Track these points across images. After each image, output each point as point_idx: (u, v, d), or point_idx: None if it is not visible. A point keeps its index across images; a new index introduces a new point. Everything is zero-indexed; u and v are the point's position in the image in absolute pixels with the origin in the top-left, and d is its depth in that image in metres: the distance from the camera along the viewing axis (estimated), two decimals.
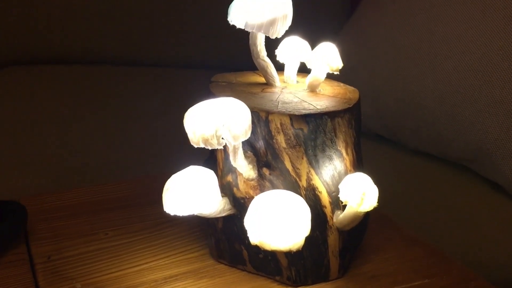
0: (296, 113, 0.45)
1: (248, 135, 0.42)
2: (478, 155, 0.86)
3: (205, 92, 0.51)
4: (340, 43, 1.10)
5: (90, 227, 0.58)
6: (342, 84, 0.55)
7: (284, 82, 0.54)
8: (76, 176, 0.81)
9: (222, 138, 0.41)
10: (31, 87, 1.20)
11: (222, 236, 0.52)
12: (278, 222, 0.42)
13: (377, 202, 0.46)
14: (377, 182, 0.89)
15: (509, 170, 0.82)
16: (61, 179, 0.80)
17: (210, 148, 0.41)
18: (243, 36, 0.51)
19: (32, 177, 0.81)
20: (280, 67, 0.55)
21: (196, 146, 0.42)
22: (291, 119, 0.45)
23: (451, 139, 0.89)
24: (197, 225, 0.57)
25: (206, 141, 0.41)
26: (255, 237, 0.42)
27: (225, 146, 0.43)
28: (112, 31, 1.35)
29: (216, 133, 0.40)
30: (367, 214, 0.52)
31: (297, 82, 0.55)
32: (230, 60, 1.28)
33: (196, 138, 0.41)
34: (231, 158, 0.44)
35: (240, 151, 0.44)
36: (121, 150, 0.89)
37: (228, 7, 0.49)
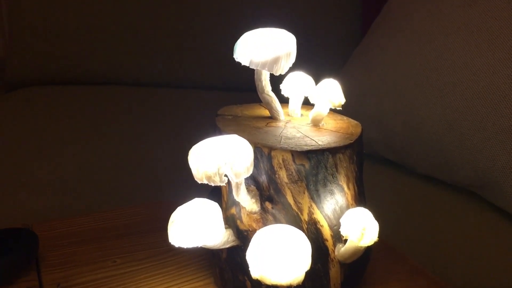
0: (298, 150, 0.46)
1: (250, 172, 0.43)
2: (486, 182, 0.87)
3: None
4: (349, 68, 1.12)
5: (99, 254, 0.59)
6: (345, 118, 0.56)
7: (289, 115, 0.56)
8: (86, 200, 0.83)
9: (225, 176, 0.42)
10: (43, 108, 1.23)
11: (226, 267, 0.53)
12: (279, 257, 0.43)
13: (378, 237, 0.47)
14: (383, 207, 0.90)
15: None
16: (71, 203, 0.81)
17: (213, 185, 0.42)
18: None
19: (41, 201, 0.82)
20: (285, 100, 0.56)
21: (200, 182, 0.43)
22: (293, 155, 0.46)
23: (459, 166, 0.89)
24: (203, 254, 0.58)
25: (209, 178, 0.42)
26: (256, 271, 0.43)
27: (229, 180, 0.44)
28: (122, 53, 1.38)
29: (218, 171, 0.41)
30: (369, 246, 0.53)
31: (302, 115, 0.56)
32: (237, 82, 1.30)
33: (200, 175, 0.42)
34: (234, 193, 0.46)
35: (243, 187, 0.45)
36: (132, 174, 0.90)
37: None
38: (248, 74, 0.58)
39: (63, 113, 1.20)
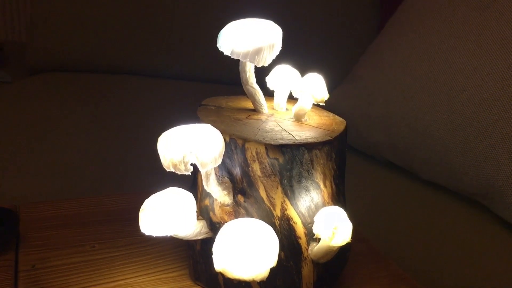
0: (272, 143, 0.45)
1: (218, 162, 0.42)
2: (490, 191, 0.84)
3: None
4: (359, 68, 1.10)
5: (79, 238, 0.59)
6: (331, 114, 0.55)
7: (273, 109, 0.55)
8: (78, 185, 0.83)
9: (192, 164, 0.41)
10: (54, 94, 1.25)
11: (199, 259, 0.52)
12: (242, 251, 0.42)
13: (351, 238, 0.46)
14: (379, 209, 0.88)
15: None
16: (63, 188, 0.82)
17: (179, 173, 0.42)
18: None
19: (32, 184, 0.83)
20: (271, 93, 0.55)
21: (167, 170, 0.42)
22: (266, 148, 0.45)
23: (462, 173, 0.87)
24: (181, 245, 0.58)
25: (175, 166, 0.41)
26: (219, 264, 0.42)
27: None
28: (135, 44, 1.39)
29: (183, 159, 0.41)
30: (347, 248, 0.52)
31: (286, 109, 0.55)
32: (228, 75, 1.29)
33: (167, 162, 0.42)
34: (204, 183, 0.45)
35: (212, 177, 0.45)
36: (122, 164, 0.91)
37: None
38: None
39: (68, 100, 1.21)
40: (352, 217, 0.66)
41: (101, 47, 1.40)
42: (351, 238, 0.46)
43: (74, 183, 0.84)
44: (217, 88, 1.27)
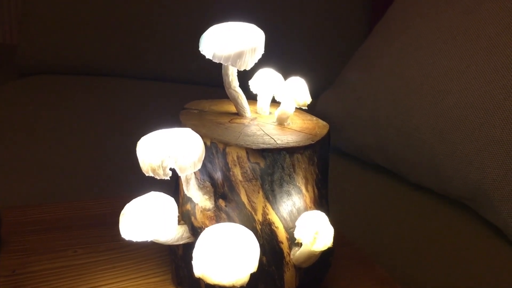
0: (253, 147, 0.45)
1: (198, 167, 0.42)
2: (477, 194, 0.84)
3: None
4: (348, 71, 1.10)
5: (61, 243, 0.58)
6: (314, 118, 0.55)
7: (257, 113, 0.54)
8: (64, 188, 0.82)
9: (171, 169, 0.41)
10: (43, 97, 1.24)
11: (182, 263, 0.52)
12: (222, 256, 0.41)
13: (332, 243, 0.45)
14: (365, 213, 0.88)
15: (507, 213, 0.79)
16: (51, 191, 0.81)
17: (158, 178, 0.41)
18: None
19: (19, 188, 0.82)
20: (255, 98, 0.55)
21: (146, 175, 0.42)
22: (247, 152, 0.45)
23: (450, 176, 0.87)
24: (164, 250, 0.57)
25: (153, 170, 0.41)
26: (198, 269, 0.42)
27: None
28: (127, 46, 1.38)
29: (162, 163, 0.40)
30: (330, 252, 0.51)
31: (270, 113, 0.55)
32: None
33: (145, 167, 0.41)
34: (184, 187, 0.45)
35: (193, 182, 0.44)
36: (115, 166, 0.90)
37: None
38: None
39: (58, 103, 1.20)
40: (338, 221, 0.66)
41: (91, 49, 1.40)
42: (333, 242, 0.46)
43: (58, 187, 0.83)
44: (207, 91, 1.27)
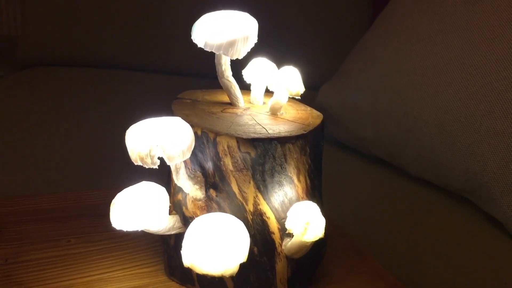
0: (244, 137, 0.44)
1: (187, 156, 0.42)
2: (477, 187, 0.83)
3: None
4: (349, 63, 1.09)
5: (55, 232, 0.58)
6: (309, 108, 0.54)
7: (250, 102, 0.54)
8: (61, 179, 0.82)
9: (159, 158, 0.41)
10: (42, 88, 1.24)
11: (174, 254, 0.51)
12: (211, 246, 0.41)
13: (323, 234, 0.45)
14: (368, 206, 0.87)
15: (507, 206, 0.78)
16: (46, 181, 0.81)
17: (147, 167, 0.41)
18: None
19: (14, 178, 0.83)
20: (249, 87, 0.55)
21: (135, 164, 0.42)
22: (238, 142, 0.44)
23: (450, 169, 0.86)
24: (158, 240, 0.57)
25: (142, 159, 0.41)
26: (187, 259, 0.42)
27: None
28: (126, 39, 1.38)
29: (150, 152, 0.40)
30: (322, 243, 0.51)
31: (264, 103, 0.54)
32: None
33: (134, 156, 0.41)
34: (174, 177, 0.44)
35: (182, 171, 0.44)
36: (111, 157, 0.90)
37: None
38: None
39: (57, 94, 1.20)
40: (334, 213, 0.66)
41: (93, 41, 1.40)
42: (324, 233, 0.45)
43: (52, 178, 0.83)
44: (205, 82, 1.26)
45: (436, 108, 0.87)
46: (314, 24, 1.39)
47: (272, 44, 1.36)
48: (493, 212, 0.82)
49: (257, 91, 0.53)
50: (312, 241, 0.45)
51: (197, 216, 0.47)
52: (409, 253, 0.76)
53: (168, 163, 0.41)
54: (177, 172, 0.44)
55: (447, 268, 0.74)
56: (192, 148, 0.42)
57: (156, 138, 0.40)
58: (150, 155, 0.40)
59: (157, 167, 0.41)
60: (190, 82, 1.30)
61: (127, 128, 0.43)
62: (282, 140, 0.45)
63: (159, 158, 0.41)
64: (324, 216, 0.46)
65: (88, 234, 0.59)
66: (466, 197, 0.88)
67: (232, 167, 0.45)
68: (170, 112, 0.50)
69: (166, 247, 0.52)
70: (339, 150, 1.05)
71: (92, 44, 1.39)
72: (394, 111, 0.93)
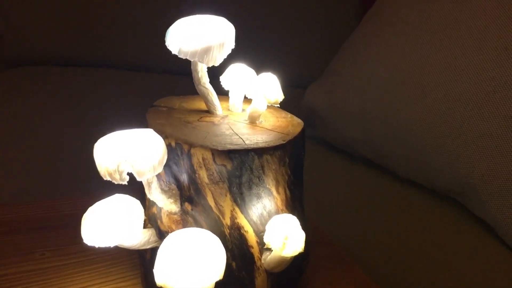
0: (219, 148, 0.42)
1: (158, 170, 0.40)
2: (465, 189, 0.82)
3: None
4: (336, 62, 1.07)
5: (28, 245, 0.56)
6: (289, 116, 0.52)
7: (229, 110, 0.52)
8: (39, 186, 0.80)
9: (129, 174, 0.39)
10: (32, 88, 1.21)
11: (150, 268, 0.49)
12: (184, 264, 0.39)
13: (303, 248, 0.43)
14: (354, 210, 0.86)
15: (495, 209, 0.77)
16: (24, 189, 0.79)
17: (116, 183, 0.39)
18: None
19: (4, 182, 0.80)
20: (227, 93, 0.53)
21: (104, 179, 0.40)
22: (213, 154, 0.42)
23: (438, 170, 0.85)
24: (136, 252, 0.55)
25: (110, 175, 0.39)
26: (159, 277, 0.40)
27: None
28: (114, 37, 1.36)
29: (118, 168, 0.38)
30: (303, 257, 0.49)
31: (243, 110, 0.52)
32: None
33: (102, 171, 0.39)
34: (146, 191, 0.42)
35: (154, 185, 0.42)
36: (90, 162, 0.88)
37: None
38: None
39: (40, 95, 1.18)
40: (319, 218, 0.64)
41: (78, 40, 1.37)
42: (305, 247, 0.44)
43: (27, 185, 0.80)
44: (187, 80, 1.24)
45: (424, 109, 0.85)
46: (301, 21, 1.37)
47: (257, 43, 1.34)
48: (481, 214, 0.81)
49: (235, 98, 0.51)
50: (292, 256, 0.44)
51: (172, 230, 0.46)
52: (395, 261, 0.75)
53: (138, 179, 0.39)
54: (149, 186, 0.42)
55: (435, 275, 0.73)
56: (164, 162, 0.41)
57: (125, 152, 0.38)
58: (119, 171, 0.38)
59: (126, 183, 0.39)
60: (180, 80, 1.28)
61: (106, 132, 0.41)
62: (259, 151, 0.43)
63: (128, 173, 0.39)
64: (305, 227, 0.44)
65: (64, 247, 0.57)
66: (455, 199, 0.87)
67: (208, 180, 0.43)
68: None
69: (143, 261, 0.50)
70: (326, 151, 1.04)
71: (78, 43, 1.37)
72: (382, 112, 0.92)
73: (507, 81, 0.76)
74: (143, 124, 0.50)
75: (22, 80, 1.29)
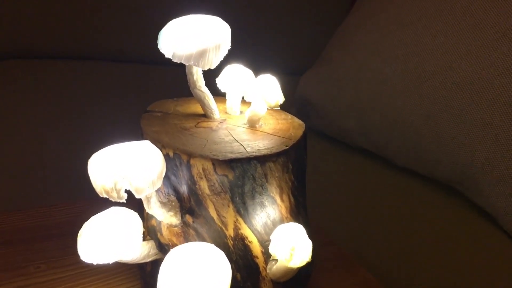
0: (220, 158, 0.40)
1: (157, 186, 0.38)
2: (465, 178, 0.81)
3: None
4: (329, 50, 1.05)
5: (23, 258, 0.54)
6: (289, 117, 0.50)
7: (226, 113, 0.50)
8: (29, 191, 0.77)
9: (127, 191, 0.37)
10: (18, 84, 1.18)
11: (150, 280, 0.48)
12: (188, 281, 0.37)
13: (310, 257, 0.42)
14: (353, 204, 0.85)
15: (496, 198, 0.76)
16: (12, 196, 0.76)
17: (113, 200, 0.37)
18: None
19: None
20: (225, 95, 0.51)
21: (101, 196, 0.38)
22: (213, 164, 0.40)
23: (437, 159, 0.84)
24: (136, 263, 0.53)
25: (107, 193, 0.36)
26: None
27: None
28: (106, 28, 1.32)
29: (115, 186, 0.36)
30: (309, 264, 0.48)
31: (241, 112, 0.50)
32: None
33: (98, 189, 0.37)
34: (145, 206, 0.40)
35: (154, 200, 0.40)
36: (83, 164, 0.85)
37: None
38: None
39: (27, 90, 1.14)
40: (318, 215, 0.62)
41: (65, 32, 1.33)
42: (311, 257, 0.42)
43: (16, 191, 0.76)
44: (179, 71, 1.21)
45: (421, 98, 0.84)
46: (295, 4, 1.34)
47: (241, 44, 1.31)
48: (482, 203, 0.80)
49: (233, 100, 0.49)
50: (299, 266, 0.42)
51: (173, 243, 0.44)
52: (398, 255, 0.74)
53: (136, 196, 0.37)
54: (148, 201, 0.40)
55: (438, 267, 0.72)
56: (163, 176, 0.39)
57: (122, 169, 0.36)
58: (116, 189, 0.36)
59: (125, 201, 0.37)
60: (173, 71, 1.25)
61: (99, 132, 0.39)
62: (262, 159, 0.41)
63: (126, 191, 0.37)
64: (309, 232, 0.43)
65: (59, 258, 0.55)
66: (454, 188, 0.86)
67: (209, 190, 0.41)
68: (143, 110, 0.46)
69: (143, 274, 0.49)
70: (322, 142, 1.02)
71: (65, 34, 1.32)
72: (377, 101, 0.90)
73: (506, 68, 0.75)
74: (137, 121, 0.48)
75: (7, 74, 1.25)
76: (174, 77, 1.23)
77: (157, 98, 0.52)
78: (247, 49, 1.02)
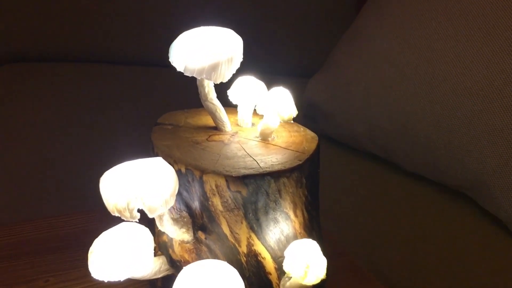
0: (234, 174, 0.40)
1: (170, 204, 0.37)
2: (475, 184, 0.80)
3: None
4: (336, 54, 1.04)
5: (31, 271, 0.54)
6: (302, 129, 0.49)
7: (238, 125, 0.49)
8: (39, 202, 0.76)
9: (139, 210, 0.36)
10: (21, 89, 1.17)
11: None
12: None
13: (325, 275, 0.41)
14: (364, 210, 0.84)
15: (508, 204, 0.75)
16: (22, 206, 0.75)
17: (126, 220, 0.36)
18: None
19: None
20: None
21: (113, 215, 0.37)
22: (227, 180, 0.40)
23: (447, 165, 0.83)
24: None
25: (120, 212, 0.36)
26: None
27: None
28: (109, 31, 1.31)
29: (128, 205, 0.35)
30: (324, 280, 0.47)
31: (253, 124, 0.49)
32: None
33: (111, 207, 0.36)
34: (157, 223, 0.40)
35: (166, 217, 0.39)
36: (95, 172, 0.84)
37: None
38: None
39: (31, 94, 1.13)
40: (329, 222, 0.61)
41: (68, 35, 1.32)
42: (326, 274, 0.41)
43: (23, 201, 0.75)
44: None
45: (431, 103, 0.83)
46: (302, 6, 1.33)
47: (252, 53, 1.30)
48: (493, 210, 0.79)
49: (244, 112, 0.48)
50: (314, 284, 0.41)
51: (185, 259, 0.43)
52: (407, 261, 0.73)
53: (149, 216, 0.36)
54: (161, 219, 0.39)
55: (447, 273, 0.71)
56: (176, 193, 0.38)
57: (134, 188, 0.35)
58: (129, 209, 0.35)
59: (137, 221, 0.36)
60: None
61: (107, 140, 0.38)
62: (275, 175, 0.41)
63: (139, 210, 0.36)
64: (323, 246, 0.42)
65: (68, 271, 0.54)
66: (465, 194, 0.85)
67: (222, 207, 0.41)
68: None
69: None
70: (329, 146, 1.01)
71: (67, 37, 1.32)
72: (386, 106, 0.89)
73: None
74: (146, 126, 0.46)
75: (11, 79, 1.25)
76: (185, 79, 1.23)
77: (166, 101, 0.51)
78: (255, 52, 1.01)
